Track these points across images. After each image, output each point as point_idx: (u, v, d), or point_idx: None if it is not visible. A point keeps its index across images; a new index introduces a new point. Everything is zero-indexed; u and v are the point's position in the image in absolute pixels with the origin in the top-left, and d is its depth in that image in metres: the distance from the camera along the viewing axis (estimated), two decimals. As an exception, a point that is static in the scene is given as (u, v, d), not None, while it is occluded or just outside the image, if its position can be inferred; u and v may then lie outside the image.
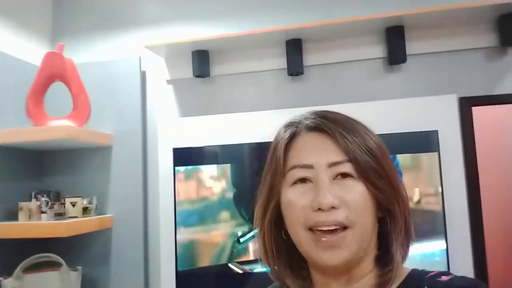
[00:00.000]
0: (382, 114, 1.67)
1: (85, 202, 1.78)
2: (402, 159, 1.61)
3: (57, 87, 1.74)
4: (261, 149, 1.69)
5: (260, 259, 0.68)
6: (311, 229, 0.59)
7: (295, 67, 1.78)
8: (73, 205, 1.74)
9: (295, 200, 0.60)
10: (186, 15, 1.97)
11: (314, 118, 0.63)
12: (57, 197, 1.86)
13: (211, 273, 1.70)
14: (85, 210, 1.77)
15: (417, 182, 1.60)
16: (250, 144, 1.73)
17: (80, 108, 1.74)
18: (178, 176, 1.77)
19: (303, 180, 0.61)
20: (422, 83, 1.74)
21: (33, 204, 1.66)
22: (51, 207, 1.65)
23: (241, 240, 1.68)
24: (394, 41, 1.71)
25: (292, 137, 0.64)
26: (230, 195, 1.72)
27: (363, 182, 0.59)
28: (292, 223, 0.61)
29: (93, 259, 1.85)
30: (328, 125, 0.61)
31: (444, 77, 1.73)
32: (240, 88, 1.90)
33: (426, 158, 1.60)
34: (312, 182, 0.60)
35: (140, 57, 1.95)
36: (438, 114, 1.66)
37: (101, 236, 1.85)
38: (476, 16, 1.64)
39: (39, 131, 1.64)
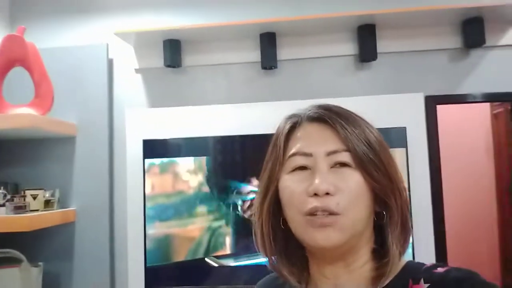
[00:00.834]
0: (352, 110, 1.69)
1: (47, 194, 1.69)
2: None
3: (18, 72, 1.64)
4: (232, 142, 1.68)
5: (258, 250, 0.68)
6: (306, 216, 0.60)
7: (269, 61, 1.78)
8: (34, 198, 1.65)
9: (292, 186, 0.61)
10: (158, 2, 1.91)
11: (317, 109, 0.65)
12: (15, 189, 1.75)
13: (185, 267, 1.67)
14: (47, 203, 1.68)
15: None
16: (222, 137, 1.71)
17: (43, 95, 1.65)
18: (152, 170, 1.72)
19: (302, 168, 0.62)
20: (391, 81, 1.80)
21: (-10, 196, 1.55)
22: (10, 200, 1.55)
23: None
24: (366, 39, 1.75)
25: (294, 127, 0.65)
26: (206, 188, 1.69)
27: (360, 172, 0.60)
28: (289, 208, 0.62)
29: (55, 254, 1.77)
30: (330, 116, 0.63)
31: (412, 76, 1.79)
32: (212, 80, 1.87)
33: (395, 154, 1.65)
34: (310, 170, 0.61)
35: (107, 44, 1.87)
36: (406, 112, 1.72)
37: (64, 230, 1.77)
38: (443, 19, 1.72)
39: (-2, 119, 1.54)
